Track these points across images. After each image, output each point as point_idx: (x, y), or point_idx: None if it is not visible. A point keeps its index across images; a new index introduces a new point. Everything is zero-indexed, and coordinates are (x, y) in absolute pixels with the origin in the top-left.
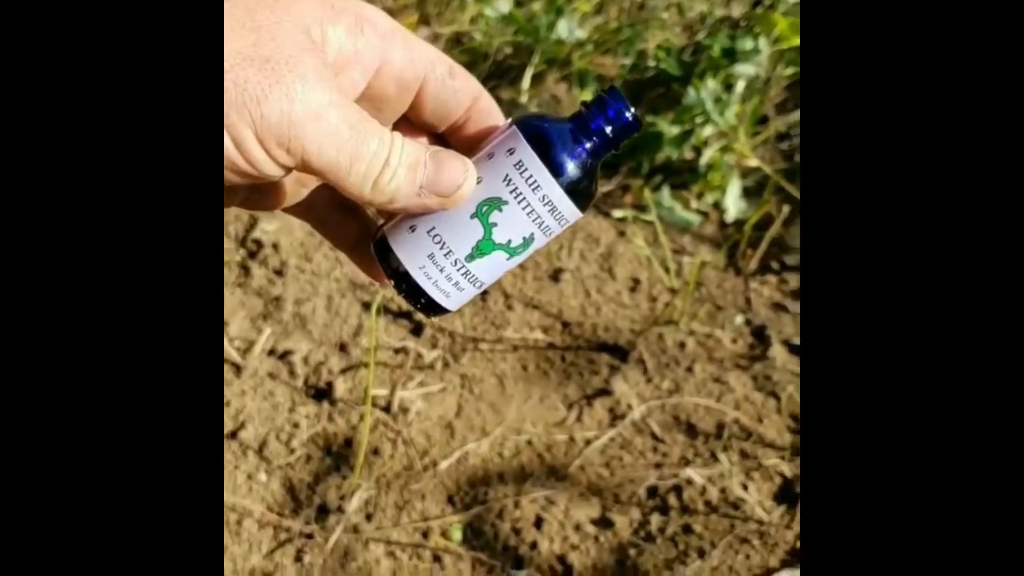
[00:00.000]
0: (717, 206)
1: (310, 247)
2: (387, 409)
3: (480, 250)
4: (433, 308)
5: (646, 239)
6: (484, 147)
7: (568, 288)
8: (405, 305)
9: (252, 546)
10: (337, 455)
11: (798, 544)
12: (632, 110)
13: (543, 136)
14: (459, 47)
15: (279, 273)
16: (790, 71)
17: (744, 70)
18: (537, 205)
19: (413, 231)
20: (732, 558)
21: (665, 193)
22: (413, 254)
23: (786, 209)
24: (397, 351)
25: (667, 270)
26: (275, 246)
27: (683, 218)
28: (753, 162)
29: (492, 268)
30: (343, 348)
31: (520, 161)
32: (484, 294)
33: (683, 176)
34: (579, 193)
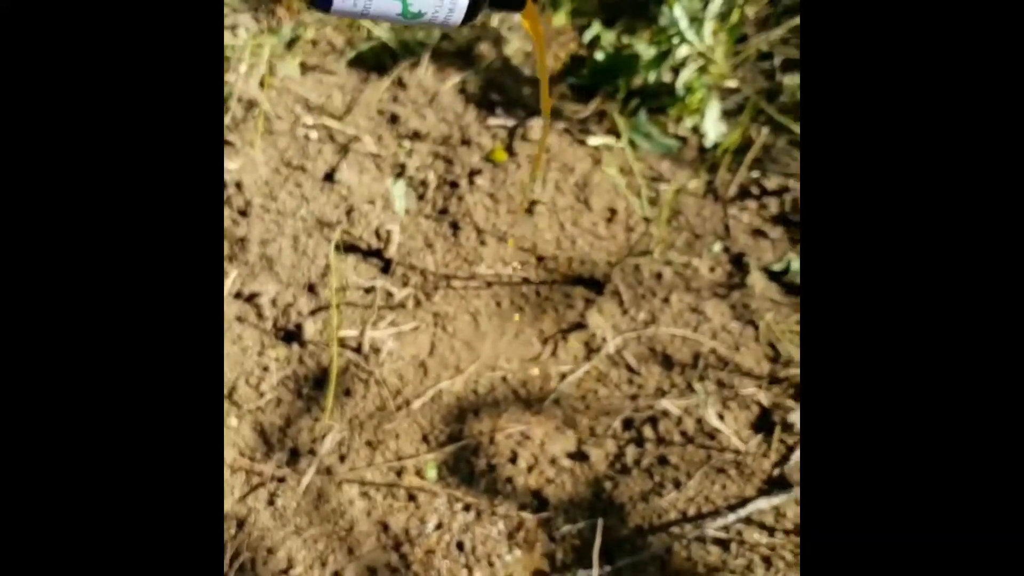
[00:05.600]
0: (696, 130)
1: (275, 185)
2: (358, 350)
3: None
4: (322, 1)
5: (622, 167)
6: None
7: (543, 221)
8: (374, 243)
9: (226, 490)
10: (308, 397)
11: (775, 473)
12: None
13: None
14: None
15: (243, 213)
16: None
17: None
18: None
19: None
20: (708, 488)
21: (642, 118)
22: None
23: (766, 131)
24: (367, 291)
25: (640, 198)
26: (238, 185)
27: (661, 143)
28: (732, 83)
29: (384, 9)
30: (311, 289)
31: None
32: (456, 229)
33: (661, 100)
34: (470, 11)
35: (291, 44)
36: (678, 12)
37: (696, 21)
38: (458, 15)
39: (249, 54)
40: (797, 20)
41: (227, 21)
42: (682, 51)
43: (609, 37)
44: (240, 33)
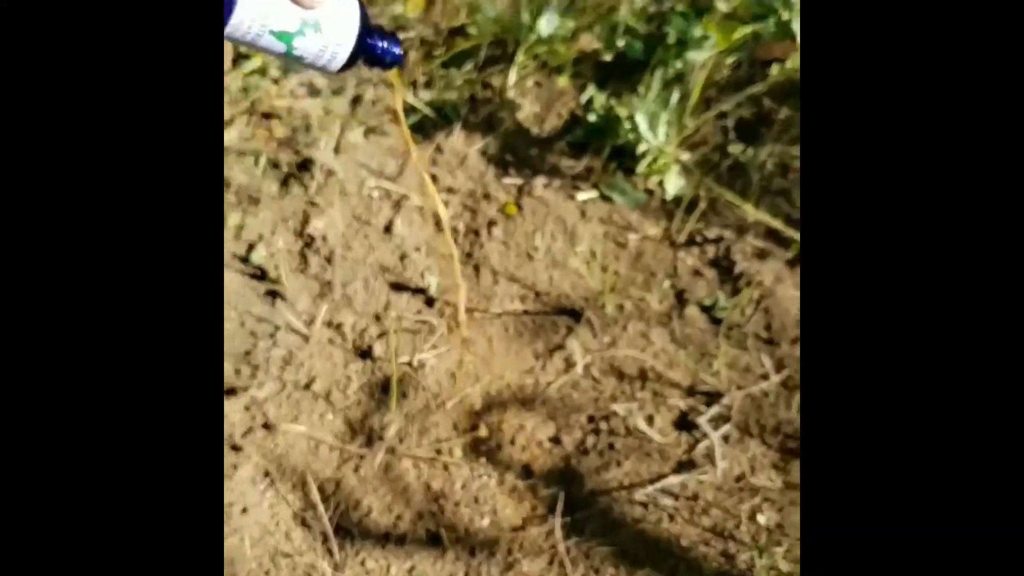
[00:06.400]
0: (662, 183)
1: (349, 237)
2: (411, 364)
3: (279, 36)
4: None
5: (601, 217)
6: None
7: (540, 264)
8: (420, 283)
9: (326, 463)
10: (378, 399)
11: (684, 458)
12: (400, 55)
13: (368, 25)
14: (458, 37)
15: (329, 261)
16: (733, 58)
17: (695, 57)
18: (328, 49)
19: None
20: (638, 467)
21: (619, 177)
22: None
23: (711, 190)
24: (416, 321)
25: (604, 278)
26: (323, 238)
27: (632, 198)
28: (686, 156)
29: (270, 46)
30: (378, 319)
31: (352, 23)
32: (477, 271)
33: (635, 159)
34: (347, 64)
35: (355, 103)
36: (639, 117)
37: (653, 123)
38: (336, 65)
39: (320, 123)
40: (755, 88)
41: (302, 78)
42: (642, 146)
43: (601, 100)
44: (316, 104)
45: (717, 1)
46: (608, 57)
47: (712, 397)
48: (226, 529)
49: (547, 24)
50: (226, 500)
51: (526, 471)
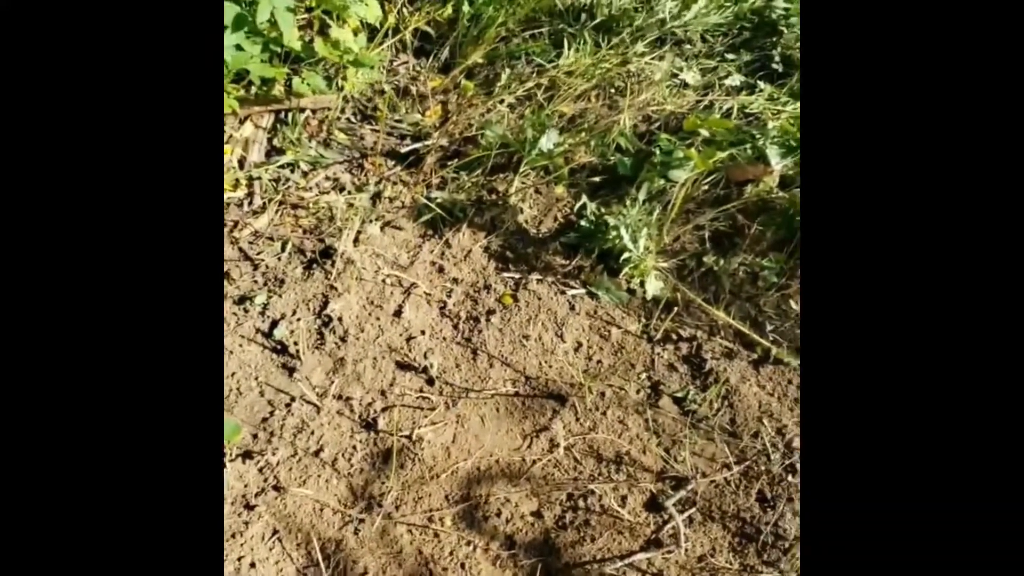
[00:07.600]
0: (643, 284)
1: (363, 319)
2: (410, 437)
3: None
4: None
5: (588, 312)
6: None
7: (531, 351)
8: (423, 363)
9: (329, 525)
10: (379, 468)
11: (652, 537)
12: None
13: None
14: (470, 145)
15: (343, 340)
16: (713, 177)
17: (677, 175)
18: None
19: None
20: (610, 543)
21: (604, 277)
22: None
23: (680, 297)
24: (417, 396)
25: (601, 336)
26: (340, 319)
27: (616, 296)
28: (664, 263)
29: None
30: (383, 394)
31: None
32: (475, 355)
33: (619, 262)
34: None
35: (375, 199)
36: (622, 231)
37: (635, 235)
38: None
39: (344, 215)
40: (729, 205)
41: (328, 172)
42: (625, 254)
43: (592, 208)
44: (339, 199)
45: (699, 127)
46: (601, 171)
47: (680, 482)
48: None
49: (547, 140)
50: (237, 554)
51: (509, 542)
